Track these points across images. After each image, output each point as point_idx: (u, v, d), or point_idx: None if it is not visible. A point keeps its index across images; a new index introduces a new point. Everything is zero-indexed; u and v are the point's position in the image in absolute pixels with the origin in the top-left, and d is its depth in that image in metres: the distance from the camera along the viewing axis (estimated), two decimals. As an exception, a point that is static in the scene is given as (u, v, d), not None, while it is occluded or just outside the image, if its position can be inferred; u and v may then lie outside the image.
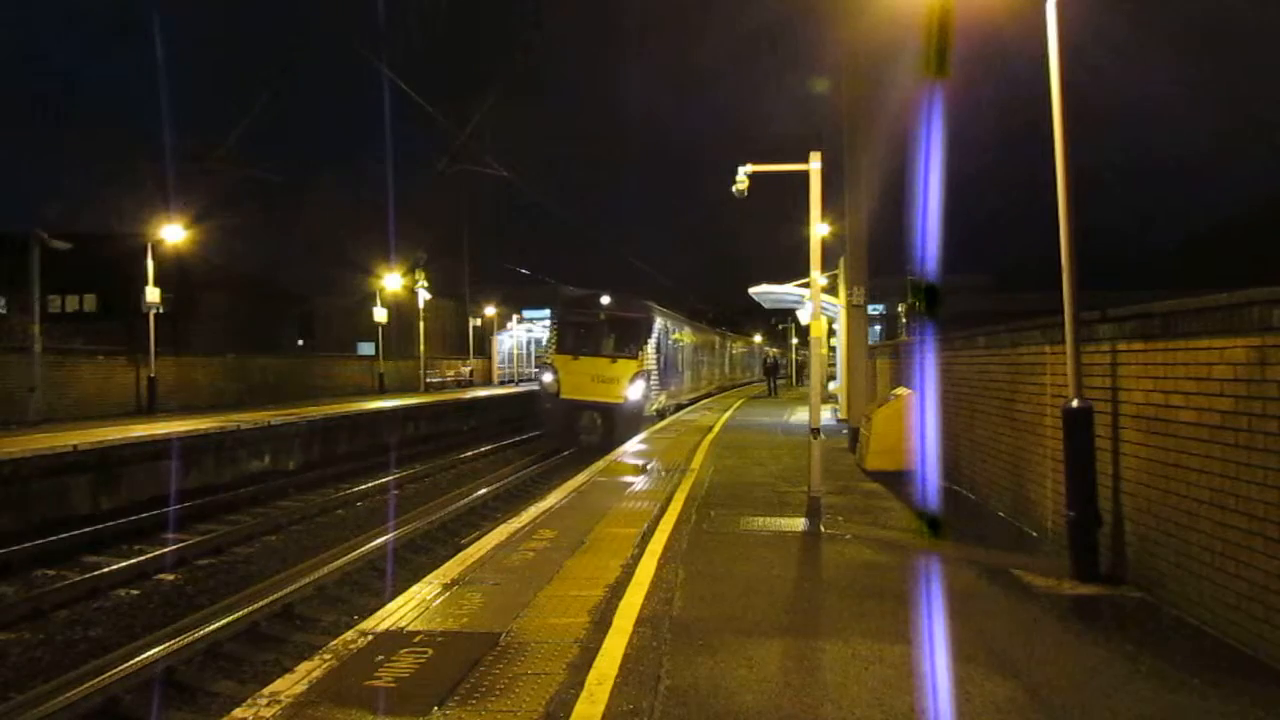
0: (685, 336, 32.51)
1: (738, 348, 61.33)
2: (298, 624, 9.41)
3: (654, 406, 25.03)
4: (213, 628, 8.53)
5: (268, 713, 4.54)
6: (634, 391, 22.84)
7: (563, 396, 23.07)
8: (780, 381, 44.73)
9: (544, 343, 25.82)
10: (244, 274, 49.54)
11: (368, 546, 12.20)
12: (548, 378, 23.55)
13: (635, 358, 23.29)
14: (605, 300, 24.01)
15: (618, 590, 6.82)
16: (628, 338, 23.90)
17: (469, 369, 51.14)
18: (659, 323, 25.13)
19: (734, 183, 12.59)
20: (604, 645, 5.54)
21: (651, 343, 23.86)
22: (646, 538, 8.70)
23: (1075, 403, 7.18)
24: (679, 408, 30.35)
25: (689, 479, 12.86)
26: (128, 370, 23.93)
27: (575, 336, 23.94)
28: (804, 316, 29.64)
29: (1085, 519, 7.06)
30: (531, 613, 6.27)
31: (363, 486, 18.18)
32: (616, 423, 22.71)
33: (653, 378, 23.97)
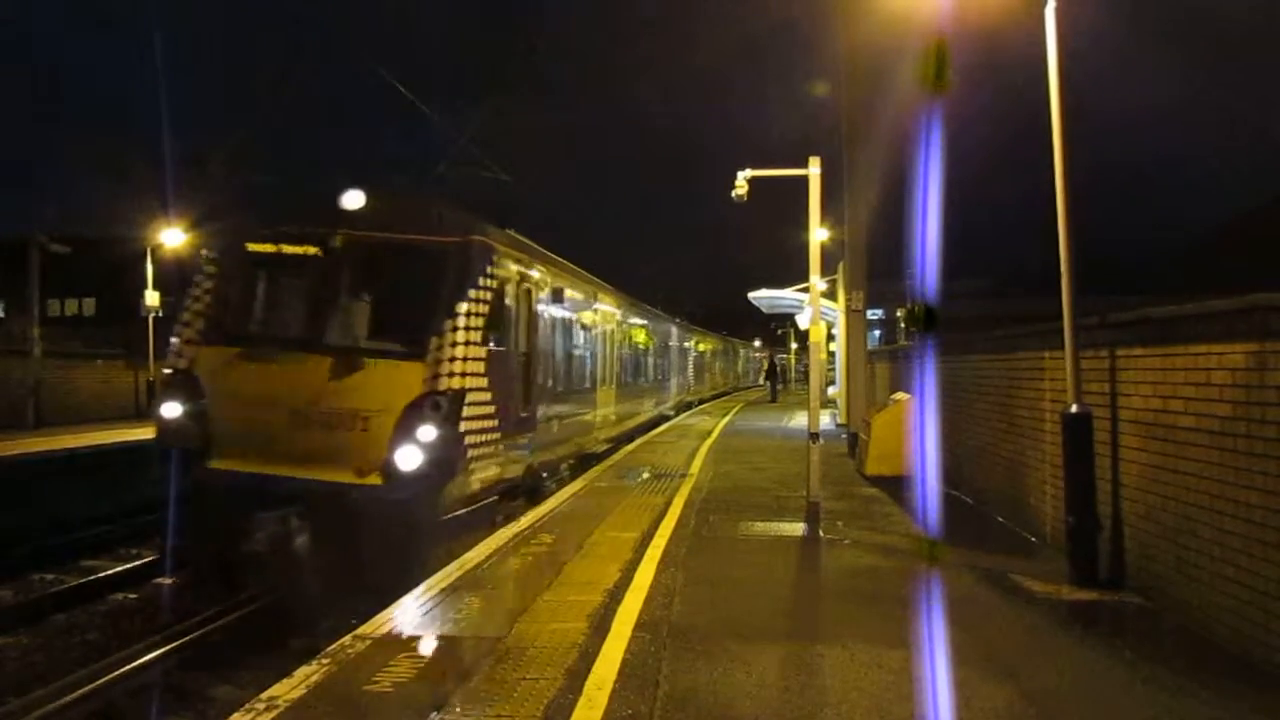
0: (597, 314, 16.68)
1: (705, 346, 44.20)
2: (296, 626, 9.34)
3: (490, 475, 9.69)
4: (210, 629, 8.51)
5: (266, 718, 4.52)
6: (417, 451, 8.40)
7: (213, 465, 8.83)
8: (779, 387, 44.66)
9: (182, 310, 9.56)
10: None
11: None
12: (169, 409, 9.05)
13: (422, 357, 8.77)
14: (351, 201, 9.50)
15: (616, 595, 6.80)
16: (409, 301, 9.37)
17: None
18: (507, 268, 10.43)
19: (733, 187, 12.63)
20: (603, 650, 5.52)
21: (488, 312, 9.49)
22: (645, 542, 8.69)
23: (1074, 408, 7.18)
24: (585, 462, 15.19)
25: (687, 484, 12.85)
26: (126, 374, 23.92)
27: (259, 297, 9.93)
28: (803, 321, 29.69)
29: (1084, 524, 7.06)
30: (530, 617, 6.26)
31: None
32: (365, 540, 8.27)
33: (487, 407, 9.39)
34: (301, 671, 5.18)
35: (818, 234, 11.78)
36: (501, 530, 9.42)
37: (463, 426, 8.77)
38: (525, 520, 9.96)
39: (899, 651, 5.52)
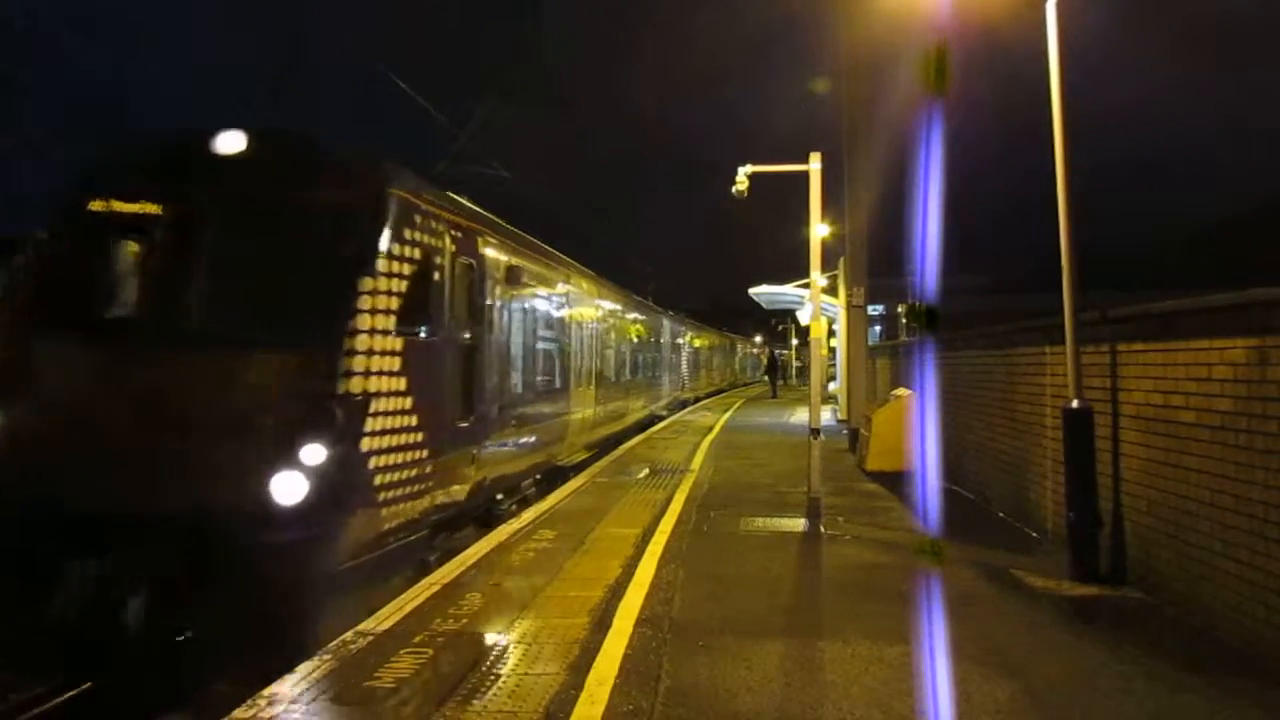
0: (572, 302, 14.32)
1: (702, 341, 41.40)
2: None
3: (414, 504, 7.35)
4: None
5: (268, 713, 4.53)
6: (300, 479, 6.12)
7: (23, 491, 6.25)
8: (780, 382, 44.88)
9: None
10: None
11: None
12: None
13: (309, 348, 6.57)
14: (220, 146, 7.18)
15: (617, 591, 6.81)
16: (295, 275, 6.84)
17: None
18: (440, 236, 8.03)
19: (734, 183, 12.62)
20: (604, 646, 5.53)
21: (407, 290, 7.24)
22: (646, 538, 8.70)
23: (1075, 403, 7.19)
24: (555, 474, 13.13)
25: (689, 480, 12.86)
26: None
27: (99, 273, 7.21)
28: (804, 317, 29.69)
29: (1085, 520, 7.06)
30: (531, 613, 6.27)
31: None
32: (227, 600, 5.88)
33: (406, 416, 7.15)
34: (304, 667, 5.19)
35: (818, 230, 11.76)
36: (502, 527, 9.42)
37: (368, 443, 6.64)
38: (526, 517, 9.96)
39: (900, 647, 5.53)
